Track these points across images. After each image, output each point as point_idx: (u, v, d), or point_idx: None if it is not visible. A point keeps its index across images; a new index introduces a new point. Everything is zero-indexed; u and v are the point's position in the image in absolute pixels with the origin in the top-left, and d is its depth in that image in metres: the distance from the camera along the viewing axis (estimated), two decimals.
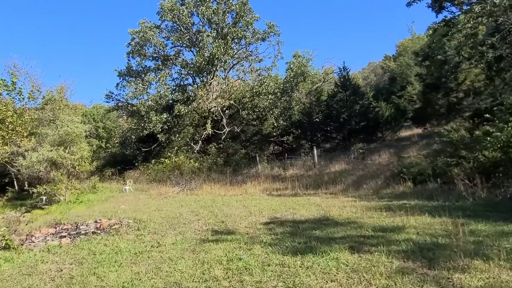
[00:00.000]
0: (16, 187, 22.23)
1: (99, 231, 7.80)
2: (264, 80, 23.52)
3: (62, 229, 8.37)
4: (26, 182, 20.22)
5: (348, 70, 25.00)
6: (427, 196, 10.31)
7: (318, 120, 26.29)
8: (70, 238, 7.32)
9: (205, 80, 25.53)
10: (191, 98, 24.99)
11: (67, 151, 18.34)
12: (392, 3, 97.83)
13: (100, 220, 8.89)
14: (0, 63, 55.53)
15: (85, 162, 19.14)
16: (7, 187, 21.82)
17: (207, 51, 23.62)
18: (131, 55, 25.03)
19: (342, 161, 19.96)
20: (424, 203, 9.27)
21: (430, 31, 18.86)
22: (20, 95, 21.66)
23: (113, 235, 7.21)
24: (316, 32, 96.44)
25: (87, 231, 7.91)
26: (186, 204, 12.27)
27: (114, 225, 8.20)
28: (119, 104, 27.72)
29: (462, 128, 16.17)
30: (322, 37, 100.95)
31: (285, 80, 24.58)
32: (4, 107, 19.32)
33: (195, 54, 24.95)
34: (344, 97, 24.21)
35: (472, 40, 17.39)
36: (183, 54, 26.85)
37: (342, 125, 23.93)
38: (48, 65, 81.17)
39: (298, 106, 26.83)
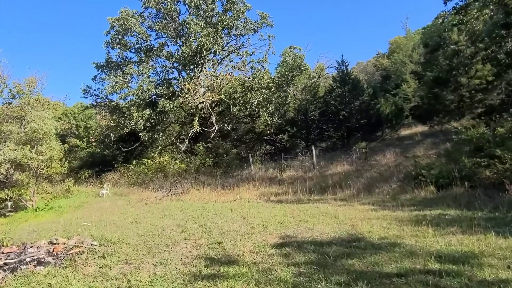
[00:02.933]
0: None
1: (49, 258, 5.72)
2: (257, 73, 21.50)
3: (2, 254, 6.24)
4: None
5: (347, 64, 23.28)
6: (465, 204, 8.49)
7: (314, 117, 24.46)
8: (5, 271, 5.21)
9: (192, 74, 23.38)
10: (176, 93, 22.84)
11: (34, 150, 16.01)
12: (380, 1, 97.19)
13: (56, 240, 6.77)
14: None
15: (55, 163, 16.85)
16: None
17: (194, 41, 21.51)
18: (110, 45, 22.70)
19: (344, 161, 18.16)
20: (467, 214, 7.46)
21: (440, 20, 17.18)
22: None
23: (65, 267, 5.14)
24: (304, 32, 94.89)
25: (34, 257, 5.81)
26: (171, 213, 10.22)
27: (72, 248, 6.12)
28: (98, 100, 25.32)
29: (483, 124, 14.60)
30: (310, 37, 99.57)
31: (280, 74, 22.62)
32: None
33: (181, 45, 22.79)
34: (343, 92, 22.45)
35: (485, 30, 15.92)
36: (168, 46, 24.70)
37: (341, 122, 22.15)
38: (17, 55, 76.51)
39: (293, 103, 24.95)
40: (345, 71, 22.96)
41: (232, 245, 5.97)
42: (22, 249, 6.47)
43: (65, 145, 18.66)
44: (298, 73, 22.68)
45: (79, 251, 5.81)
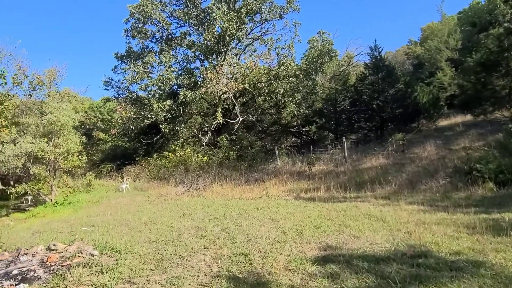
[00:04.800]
0: (0, 185, 19.39)
1: (40, 271, 4.72)
2: (284, 60, 20.04)
3: None
4: (11, 180, 17.35)
5: (380, 49, 21.48)
6: None
7: (344, 107, 22.87)
8: None
9: (214, 63, 22.25)
10: (198, 83, 21.77)
11: (51, 143, 15.38)
12: None
13: (55, 245, 5.79)
14: None
15: (73, 157, 16.21)
16: None
17: (217, 28, 20.34)
18: (130, 33, 21.86)
19: (379, 154, 16.61)
20: None
21: None
22: (2, 79, 18.82)
23: (52, 287, 4.10)
24: (330, 20, 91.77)
25: (22, 269, 4.83)
26: (190, 212, 9.16)
27: (69, 258, 5.10)
28: (119, 91, 24.68)
29: None
30: (336, 25, 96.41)
31: (307, 60, 21.09)
32: None
33: (203, 32, 21.63)
34: (376, 80, 20.71)
35: None
36: (190, 36, 23.67)
37: (374, 112, 20.48)
38: (36, 47, 76.94)
39: (321, 92, 23.40)
40: (378, 57, 21.20)
41: (261, 258, 4.77)
42: (15, 256, 5.53)
43: (83, 137, 17.90)
44: (327, 60, 21.11)
45: (70, 264, 4.76)
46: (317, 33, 21.32)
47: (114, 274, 4.38)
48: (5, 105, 17.27)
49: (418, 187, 11.00)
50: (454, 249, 4.68)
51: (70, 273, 4.34)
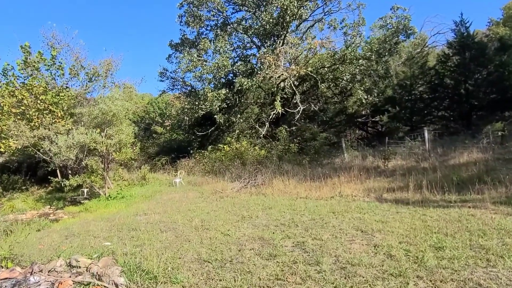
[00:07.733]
0: (59, 177, 19.38)
1: None
2: (352, 40, 17.56)
3: None
4: (69, 172, 17.14)
5: (467, 24, 18.15)
6: None
7: (420, 94, 19.85)
8: None
9: (272, 48, 20.44)
10: (255, 70, 20.09)
11: (103, 134, 14.64)
12: None
13: (77, 261, 4.37)
14: (36, 35, 54.45)
15: (126, 148, 15.40)
16: (49, 177, 18.95)
17: (276, 10, 18.48)
18: (184, 18, 20.74)
19: (473, 147, 13.74)
20: None
21: None
22: (60, 71, 18.68)
23: None
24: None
25: None
26: (250, 214, 7.48)
27: (86, 285, 3.59)
28: (174, 82, 23.87)
29: None
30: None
31: (379, 40, 18.37)
32: (36, 84, 16.27)
33: (261, 15, 19.88)
34: (463, 60, 17.49)
35: None
36: (246, 21, 22.08)
37: (461, 99, 17.33)
38: (92, 38, 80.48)
39: (394, 77, 20.56)
40: (465, 34, 17.90)
41: None
42: (26, 274, 4.18)
43: (136, 128, 17.10)
44: (403, 39, 18.27)
45: None
46: (390, 9, 18.53)
47: None
48: (61, 96, 16.97)
49: None
50: None
51: None
